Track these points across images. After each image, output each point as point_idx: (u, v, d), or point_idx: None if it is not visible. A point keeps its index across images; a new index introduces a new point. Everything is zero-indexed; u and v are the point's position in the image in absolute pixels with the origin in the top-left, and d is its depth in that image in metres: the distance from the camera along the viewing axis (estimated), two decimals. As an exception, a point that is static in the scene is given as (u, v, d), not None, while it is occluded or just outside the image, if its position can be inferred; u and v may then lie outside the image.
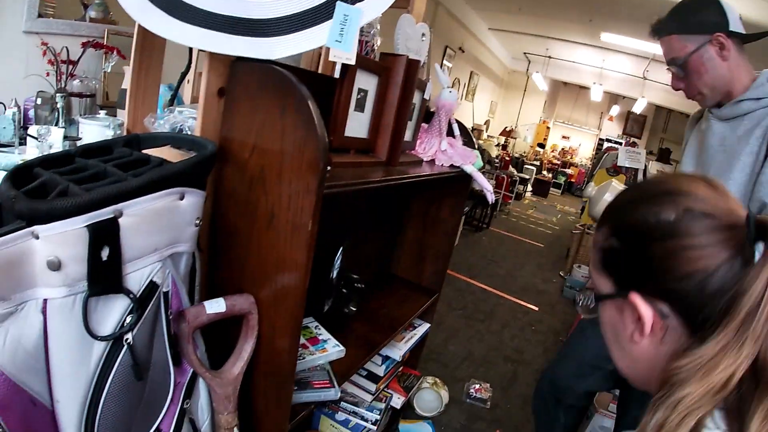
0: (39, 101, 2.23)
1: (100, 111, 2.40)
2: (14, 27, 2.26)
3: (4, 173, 0.78)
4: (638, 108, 10.23)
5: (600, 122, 13.84)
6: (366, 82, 1.14)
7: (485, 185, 1.67)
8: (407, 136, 1.42)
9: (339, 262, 1.40)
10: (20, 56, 2.30)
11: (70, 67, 2.42)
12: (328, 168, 0.96)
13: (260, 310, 1.02)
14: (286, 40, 0.95)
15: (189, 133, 1.13)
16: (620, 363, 0.65)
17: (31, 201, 0.67)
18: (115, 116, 2.18)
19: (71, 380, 0.74)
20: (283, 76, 0.89)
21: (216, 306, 0.95)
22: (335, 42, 0.94)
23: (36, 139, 1.79)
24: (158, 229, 0.79)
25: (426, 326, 2.03)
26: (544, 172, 12.30)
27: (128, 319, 0.77)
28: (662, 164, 8.28)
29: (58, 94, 2.27)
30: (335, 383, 1.27)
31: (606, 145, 10.90)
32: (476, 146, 1.82)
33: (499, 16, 8.03)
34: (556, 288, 4.81)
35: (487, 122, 10.79)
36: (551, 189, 12.07)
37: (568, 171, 13.11)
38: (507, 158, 9.49)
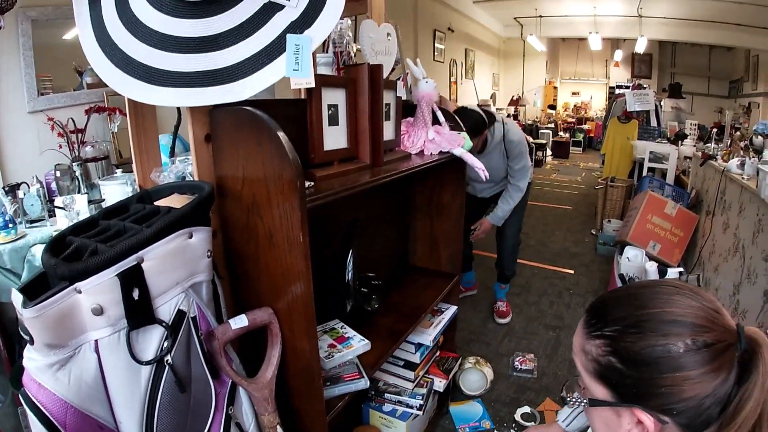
0: (58, 173, 2.39)
1: (116, 170, 2.56)
2: (19, 110, 2.43)
3: (43, 245, 0.94)
4: (640, 47, 9.93)
5: (606, 70, 13.54)
6: (334, 97, 1.25)
7: (476, 164, 1.74)
8: (389, 135, 1.51)
9: (351, 264, 1.51)
10: (31, 135, 2.47)
11: (80, 135, 2.58)
12: (311, 183, 1.08)
13: (279, 318, 1.14)
14: (251, 80, 1.06)
15: (191, 178, 1.26)
16: None
17: (70, 264, 0.83)
18: (131, 171, 2.33)
19: (128, 402, 0.91)
20: (253, 114, 1.01)
21: (239, 321, 1.09)
22: (293, 71, 1.05)
23: (64, 209, 1.95)
24: (176, 266, 0.95)
25: (453, 309, 2.12)
26: (561, 133, 12.11)
27: (165, 344, 0.93)
28: (675, 99, 8.08)
29: (74, 164, 2.43)
30: (364, 374, 1.38)
31: (618, 91, 10.67)
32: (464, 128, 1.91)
33: (482, -13, 8.02)
34: (589, 247, 4.78)
35: (493, 95, 10.73)
36: (571, 148, 11.83)
37: (585, 127, 12.83)
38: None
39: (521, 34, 10.95)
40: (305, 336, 1.11)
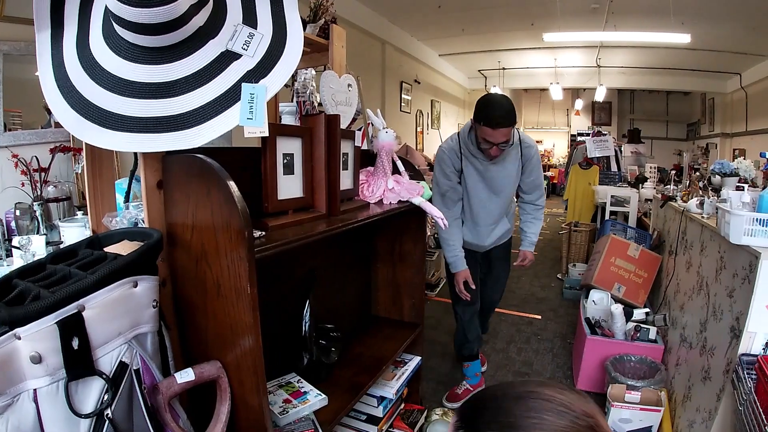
0: (18, 212, 2.31)
1: (78, 212, 2.49)
2: (-16, 144, 2.34)
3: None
4: (600, 96, 10.36)
5: (568, 119, 14.15)
6: (290, 146, 1.25)
7: (435, 213, 1.75)
8: (346, 184, 1.51)
9: (308, 315, 1.47)
10: (-5, 172, 2.40)
11: (43, 174, 2.52)
12: (262, 233, 1.06)
13: (228, 373, 1.09)
14: (205, 127, 1.05)
15: (143, 224, 1.23)
16: None
17: (10, 308, 0.80)
18: (93, 213, 2.26)
19: (65, 456, 0.85)
20: (203, 162, 1.00)
21: (186, 375, 1.03)
22: (247, 120, 1.05)
23: (20, 249, 1.87)
24: (118, 315, 0.91)
25: (417, 360, 2.08)
26: (526, 180, 12.37)
27: (106, 397, 0.88)
28: (634, 144, 8.39)
29: (35, 203, 2.36)
30: (320, 430, 1.33)
31: (579, 138, 11.03)
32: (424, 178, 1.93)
33: (446, 41, 8.35)
34: (555, 292, 4.82)
35: (459, 145, 10.95)
36: (536, 195, 12.10)
37: (549, 174, 13.19)
38: (483, 176, 9.52)
39: (485, 86, 11.36)
40: (255, 391, 1.06)
